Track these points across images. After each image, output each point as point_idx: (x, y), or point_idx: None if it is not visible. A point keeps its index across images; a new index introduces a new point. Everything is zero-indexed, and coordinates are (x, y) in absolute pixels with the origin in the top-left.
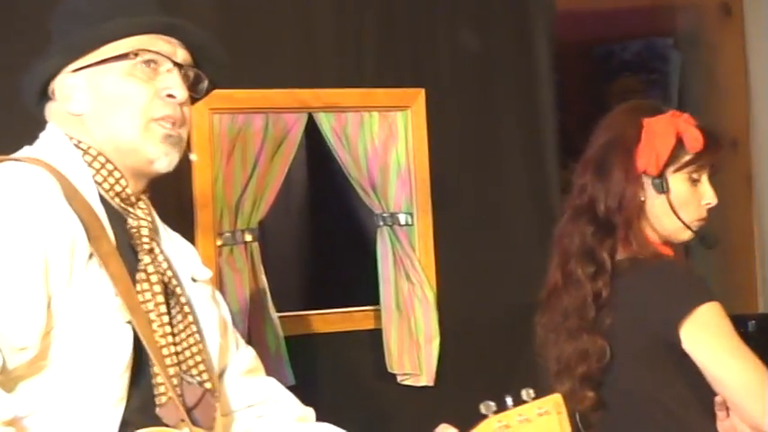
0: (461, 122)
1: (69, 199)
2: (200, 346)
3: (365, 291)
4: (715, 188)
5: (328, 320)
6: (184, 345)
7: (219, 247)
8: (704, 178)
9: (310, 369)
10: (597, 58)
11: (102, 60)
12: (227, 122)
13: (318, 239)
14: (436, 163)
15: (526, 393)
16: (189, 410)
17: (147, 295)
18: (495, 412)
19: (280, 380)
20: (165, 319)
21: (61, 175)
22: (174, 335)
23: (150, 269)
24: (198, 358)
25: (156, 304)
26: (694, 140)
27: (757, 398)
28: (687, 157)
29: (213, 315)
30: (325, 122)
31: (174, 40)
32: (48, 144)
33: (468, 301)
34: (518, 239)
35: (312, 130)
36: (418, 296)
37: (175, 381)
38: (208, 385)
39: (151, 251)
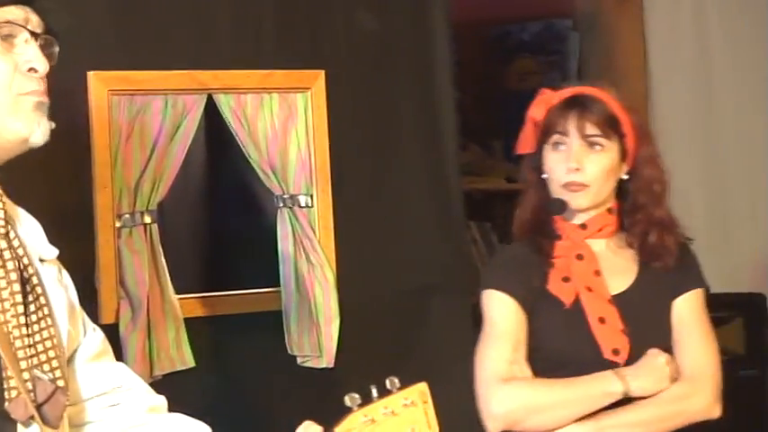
0: (361, 104)
1: None
2: (55, 340)
3: (265, 272)
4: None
5: (228, 302)
6: (37, 338)
7: (119, 228)
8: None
9: (210, 351)
10: (495, 38)
11: None
12: (125, 104)
13: (218, 221)
14: (336, 145)
15: (390, 383)
16: (39, 406)
17: (3, 283)
18: (360, 405)
19: (179, 362)
20: (21, 309)
21: None
22: (27, 325)
23: (6, 255)
24: (51, 353)
25: (12, 293)
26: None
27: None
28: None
29: (62, 300)
30: (225, 104)
31: (26, 7)
32: None
33: (368, 282)
34: (417, 221)
35: (212, 112)
36: (318, 277)
37: (27, 375)
38: (60, 383)
39: (6, 235)
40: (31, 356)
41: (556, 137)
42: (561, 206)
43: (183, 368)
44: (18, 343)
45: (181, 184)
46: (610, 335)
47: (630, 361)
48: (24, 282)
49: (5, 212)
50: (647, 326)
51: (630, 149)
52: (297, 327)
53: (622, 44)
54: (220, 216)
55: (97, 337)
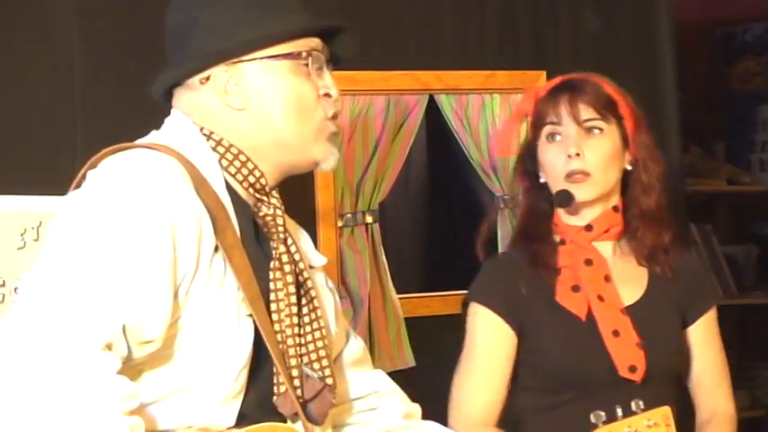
0: None
1: (198, 189)
2: (326, 341)
3: None
4: None
5: (448, 302)
6: (309, 338)
7: (340, 228)
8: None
9: (430, 351)
10: (719, 39)
11: (273, 56)
12: (348, 104)
13: (438, 221)
14: None
15: (635, 405)
16: (305, 403)
17: (279, 284)
18: (605, 422)
19: (400, 361)
20: (294, 309)
21: (190, 163)
22: (300, 326)
23: (285, 258)
24: (322, 353)
25: (288, 294)
26: None
27: None
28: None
29: (330, 304)
30: (447, 104)
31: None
32: (176, 131)
33: None
34: None
35: (433, 112)
36: None
37: (296, 372)
38: (329, 381)
39: (285, 240)
40: (302, 355)
41: (549, 128)
42: (568, 198)
43: (404, 367)
44: (290, 341)
45: (402, 184)
46: (625, 349)
47: (646, 380)
48: (299, 285)
49: (284, 220)
50: (660, 341)
51: (631, 133)
52: None
53: None
54: (441, 216)
55: (359, 344)
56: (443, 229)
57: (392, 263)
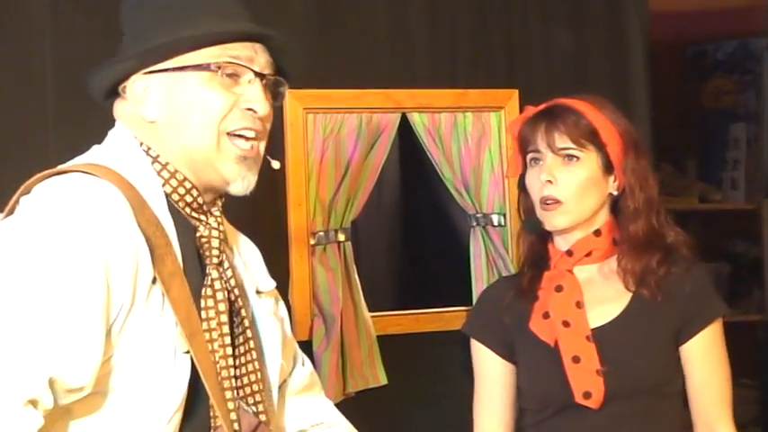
0: None
1: (137, 215)
2: (259, 374)
3: (458, 291)
4: None
5: (420, 320)
6: (243, 370)
7: (313, 246)
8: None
9: (402, 369)
10: (690, 57)
11: (182, 67)
12: (321, 122)
13: (411, 239)
14: None
15: None
16: None
17: (212, 313)
18: None
19: (372, 379)
20: (227, 340)
21: (131, 186)
22: (234, 357)
23: (217, 285)
24: (255, 387)
25: (219, 324)
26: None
27: None
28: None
29: (275, 333)
30: (419, 123)
31: (256, 45)
32: (116, 149)
33: None
34: None
35: (405, 131)
36: None
37: (231, 405)
38: (262, 417)
39: (220, 264)
40: (238, 388)
41: (531, 153)
42: (534, 226)
43: (376, 386)
44: (224, 373)
45: (374, 202)
46: (582, 376)
47: (607, 405)
48: (233, 313)
49: (220, 242)
50: (631, 362)
51: (616, 160)
52: None
53: None
54: (413, 234)
55: (306, 370)
56: (416, 247)
57: (364, 281)
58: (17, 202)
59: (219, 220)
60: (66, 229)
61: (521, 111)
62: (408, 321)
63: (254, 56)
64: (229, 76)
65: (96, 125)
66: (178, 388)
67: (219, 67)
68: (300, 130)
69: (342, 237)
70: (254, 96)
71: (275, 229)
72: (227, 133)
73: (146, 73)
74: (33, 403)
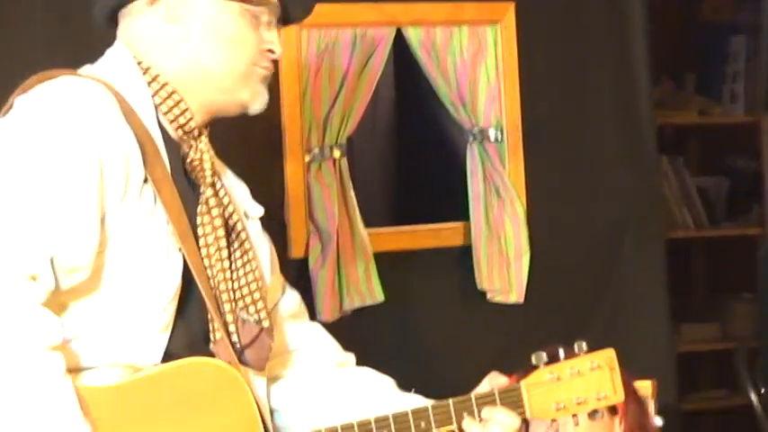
0: (551, 37)
1: (127, 117)
2: (260, 283)
3: (454, 206)
4: None
5: (417, 236)
6: (242, 281)
7: (308, 163)
8: None
9: (399, 286)
10: None
11: None
12: (315, 38)
13: (407, 155)
14: (526, 78)
15: (578, 346)
16: (243, 349)
17: (208, 228)
18: (547, 363)
19: (369, 297)
20: (225, 254)
21: (120, 95)
22: (232, 270)
23: (212, 202)
24: (257, 295)
25: (216, 238)
26: None
27: None
28: None
29: (265, 251)
30: (414, 37)
31: None
32: (111, 64)
33: (558, 217)
34: (608, 156)
35: (400, 46)
36: (508, 212)
37: (230, 317)
38: (265, 323)
39: (213, 185)
40: (236, 300)
41: None
42: None
43: (373, 303)
44: (222, 286)
45: (370, 118)
46: None
47: None
48: (229, 229)
49: (212, 164)
50: None
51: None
52: (486, 261)
53: None
54: (409, 150)
55: (294, 296)
56: (411, 162)
57: (360, 197)
58: (11, 105)
59: (208, 145)
60: (60, 121)
61: (517, 25)
62: (405, 238)
63: (276, 3)
64: (255, 17)
65: None
66: (172, 280)
67: (261, 4)
68: (294, 47)
69: (337, 153)
70: (275, 41)
71: (270, 147)
72: (253, 65)
73: None
74: (34, 278)
